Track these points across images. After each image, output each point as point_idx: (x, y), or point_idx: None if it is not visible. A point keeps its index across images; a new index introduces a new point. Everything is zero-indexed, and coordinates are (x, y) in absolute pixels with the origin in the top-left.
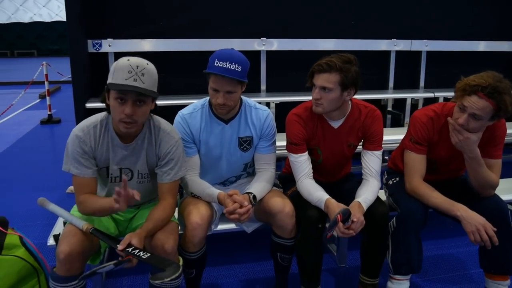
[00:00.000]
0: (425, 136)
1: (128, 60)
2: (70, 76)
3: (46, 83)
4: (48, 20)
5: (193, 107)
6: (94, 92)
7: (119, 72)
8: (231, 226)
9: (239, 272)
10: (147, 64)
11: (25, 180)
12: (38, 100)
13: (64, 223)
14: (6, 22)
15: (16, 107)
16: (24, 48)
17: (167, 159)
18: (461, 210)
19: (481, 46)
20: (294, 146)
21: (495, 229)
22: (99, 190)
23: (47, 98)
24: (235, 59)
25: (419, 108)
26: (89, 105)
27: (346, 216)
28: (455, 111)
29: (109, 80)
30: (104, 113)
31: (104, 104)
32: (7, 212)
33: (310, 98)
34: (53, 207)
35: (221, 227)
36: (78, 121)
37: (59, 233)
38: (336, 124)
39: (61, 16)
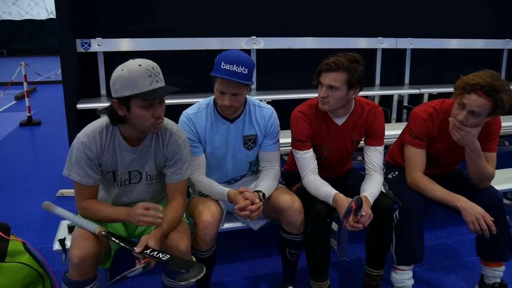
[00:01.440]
0: (425, 131)
1: (140, 65)
2: (47, 76)
3: (25, 84)
4: (18, 18)
5: (198, 106)
6: (84, 92)
7: (139, 80)
8: (237, 224)
9: (243, 269)
10: (153, 62)
11: (11, 185)
12: (14, 102)
13: (70, 227)
14: None
15: None
16: None
17: (175, 159)
18: (461, 201)
19: (461, 43)
20: (300, 143)
21: (492, 218)
22: (104, 195)
23: (26, 99)
24: (242, 61)
25: (404, 104)
26: (80, 106)
27: (359, 204)
28: (454, 107)
29: (130, 92)
30: (107, 118)
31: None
32: None
33: (302, 96)
34: (60, 211)
35: (227, 225)
36: (69, 123)
37: (64, 237)
38: (340, 121)
39: (32, 14)
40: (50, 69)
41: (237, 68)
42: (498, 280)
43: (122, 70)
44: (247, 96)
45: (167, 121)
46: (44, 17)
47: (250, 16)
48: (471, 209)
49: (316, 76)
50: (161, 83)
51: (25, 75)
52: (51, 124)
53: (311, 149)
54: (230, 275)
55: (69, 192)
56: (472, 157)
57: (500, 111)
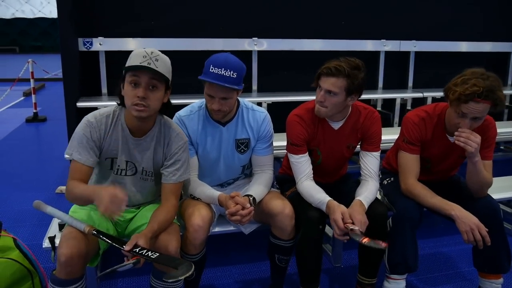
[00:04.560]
0: (417, 136)
1: (144, 48)
2: (55, 74)
3: (31, 80)
4: (30, 16)
5: (190, 108)
6: (85, 91)
7: (134, 58)
8: (228, 227)
9: (235, 272)
10: (162, 53)
11: (11, 180)
12: (22, 98)
13: (60, 225)
14: None
15: (0, 105)
16: (5, 44)
17: (174, 159)
18: (456, 210)
19: (466, 46)
20: (295, 147)
21: (487, 229)
22: (98, 184)
23: (33, 96)
24: (231, 65)
25: (407, 108)
26: (80, 104)
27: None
28: (453, 117)
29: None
30: (116, 105)
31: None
32: None
33: (302, 98)
34: (51, 210)
35: (219, 228)
36: (69, 120)
37: (54, 235)
38: (336, 126)
39: (44, 12)
40: (60, 66)
41: (225, 72)
42: None
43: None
44: (240, 99)
45: (171, 122)
46: (56, 15)
47: (252, 17)
48: (466, 219)
49: (316, 79)
50: (153, 67)
51: (32, 72)
52: (56, 121)
53: (307, 153)
54: (222, 278)
55: None
56: (477, 167)
57: (500, 108)
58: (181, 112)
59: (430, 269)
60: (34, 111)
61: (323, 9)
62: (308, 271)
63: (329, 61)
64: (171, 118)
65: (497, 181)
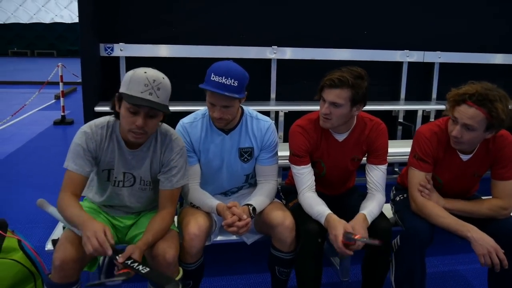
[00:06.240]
0: (429, 152)
1: (145, 72)
2: None
3: (60, 84)
4: (68, 21)
5: (194, 116)
6: (104, 95)
7: (134, 84)
8: (231, 237)
9: (239, 283)
10: (163, 78)
11: (32, 181)
12: (53, 101)
13: (64, 228)
14: (27, 22)
15: (31, 107)
16: (44, 48)
17: (170, 166)
18: (472, 231)
19: (496, 58)
20: (297, 158)
21: (503, 251)
22: (96, 195)
23: (61, 99)
24: (232, 73)
25: (430, 120)
26: (98, 108)
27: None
28: (449, 124)
29: (123, 90)
30: (112, 116)
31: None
32: (11, 212)
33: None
34: (52, 210)
35: (221, 237)
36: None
37: (58, 238)
38: (340, 137)
39: None
40: None
41: (226, 80)
42: None
43: (134, 70)
44: (245, 108)
45: (167, 128)
46: None
47: (272, 26)
48: (483, 241)
49: (319, 91)
50: (154, 98)
51: (61, 76)
52: (83, 124)
53: (309, 165)
54: (225, 287)
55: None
56: (468, 214)
57: (498, 124)
58: (185, 119)
59: (442, 287)
60: (62, 114)
61: (345, 18)
62: (307, 285)
63: (331, 72)
64: (176, 124)
65: None
